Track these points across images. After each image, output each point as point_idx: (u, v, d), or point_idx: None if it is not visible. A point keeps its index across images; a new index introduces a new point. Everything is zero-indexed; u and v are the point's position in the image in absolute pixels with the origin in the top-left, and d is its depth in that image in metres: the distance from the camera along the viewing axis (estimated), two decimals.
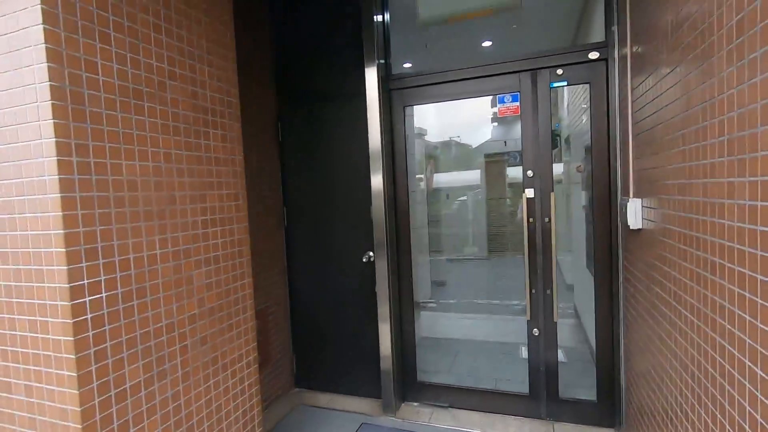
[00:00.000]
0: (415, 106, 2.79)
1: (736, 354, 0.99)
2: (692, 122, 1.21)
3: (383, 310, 2.66)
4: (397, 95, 2.72)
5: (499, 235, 9.29)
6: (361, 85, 2.61)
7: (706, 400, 1.15)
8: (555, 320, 2.48)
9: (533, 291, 2.51)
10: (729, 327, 1.02)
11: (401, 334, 2.83)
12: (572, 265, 4.87)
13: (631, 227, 1.78)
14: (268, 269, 2.87)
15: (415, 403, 2.83)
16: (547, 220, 2.45)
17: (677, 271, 1.36)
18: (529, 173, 2.48)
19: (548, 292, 2.49)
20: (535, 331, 2.53)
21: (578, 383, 2.94)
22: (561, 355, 3.36)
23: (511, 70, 2.45)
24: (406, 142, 2.76)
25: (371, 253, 2.77)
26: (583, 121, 3.69)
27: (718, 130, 1.06)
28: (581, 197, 3.75)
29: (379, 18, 2.62)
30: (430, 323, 4.62)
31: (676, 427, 1.38)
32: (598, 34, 2.52)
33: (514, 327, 4.38)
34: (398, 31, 2.89)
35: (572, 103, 4.20)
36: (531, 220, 2.49)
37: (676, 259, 1.36)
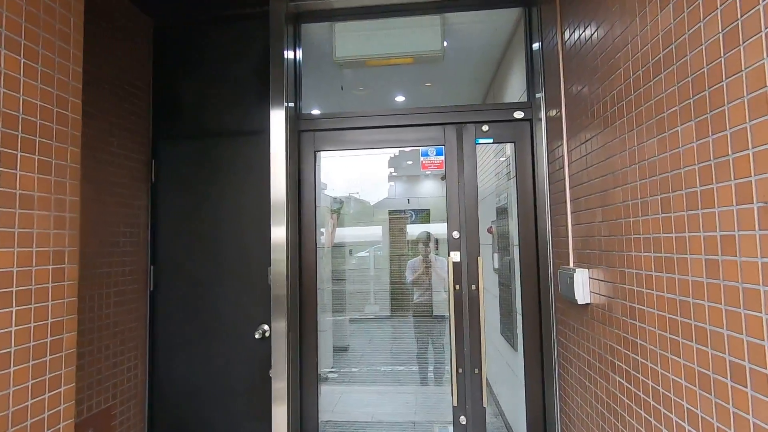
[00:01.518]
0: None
1: None
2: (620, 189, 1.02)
3: (279, 387, 2.06)
4: (308, 138, 2.34)
5: (401, 292, 9.12)
6: (264, 123, 2.17)
7: None
8: (484, 405, 2.14)
9: (460, 371, 2.17)
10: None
11: (301, 423, 2.23)
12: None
13: (578, 302, 1.56)
14: (120, 353, 2.10)
15: None
16: (474, 287, 2.19)
17: (647, 358, 1.11)
18: (455, 234, 2.22)
19: (477, 371, 2.16)
20: (463, 419, 2.16)
21: None
22: None
23: (435, 122, 2.25)
24: (316, 192, 2.34)
25: (266, 327, 2.20)
26: (493, 183, 3.70)
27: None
28: (493, 260, 3.66)
29: (290, 54, 2.27)
30: (332, 400, 3.99)
31: None
32: (516, 93, 2.49)
33: (423, 401, 3.98)
34: (312, 69, 2.57)
35: (479, 164, 4.26)
36: (457, 287, 2.19)
37: (646, 343, 1.13)
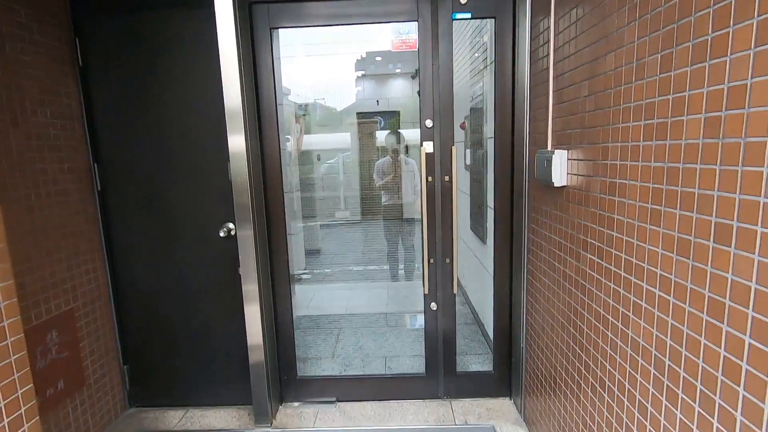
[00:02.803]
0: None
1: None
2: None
3: (250, 288, 2.05)
4: (261, 12, 2.01)
5: (370, 198, 9.15)
6: None
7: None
8: (454, 292, 2.21)
9: (432, 261, 2.19)
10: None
11: (275, 317, 2.27)
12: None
13: (555, 184, 1.51)
14: (75, 255, 1.97)
15: (296, 403, 2.34)
16: (447, 178, 2.12)
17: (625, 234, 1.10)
18: (428, 123, 2.09)
19: (448, 261, 2.19)
20: (433, 305, 2.24)
21: (467, 352, 2.82)
22: None
23: None
24: (275, 79, 2.09)
25: (231, 225, 2.10)
26: (467, 80, 3.47)
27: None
28: (465, 157, 3.60)
29: None
30: (306, 298, 4.12)
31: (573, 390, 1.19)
32: None
33: (394, 294, 4.17)
34: None
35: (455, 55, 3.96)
36: (430, 179, 2.12)
37: (623, 217, 1.10)
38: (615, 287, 1.19)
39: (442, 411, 2.22)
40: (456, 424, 2.11)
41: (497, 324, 2.26)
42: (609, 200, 1.21)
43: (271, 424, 2.16)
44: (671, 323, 0.96)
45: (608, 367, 1.23)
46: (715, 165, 0.82)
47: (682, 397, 0.93)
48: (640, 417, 1.08)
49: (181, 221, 2.17)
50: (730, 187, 0.79)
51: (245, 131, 1.93)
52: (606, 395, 1.25)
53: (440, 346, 2.28)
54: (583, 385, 1.40)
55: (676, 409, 0.94)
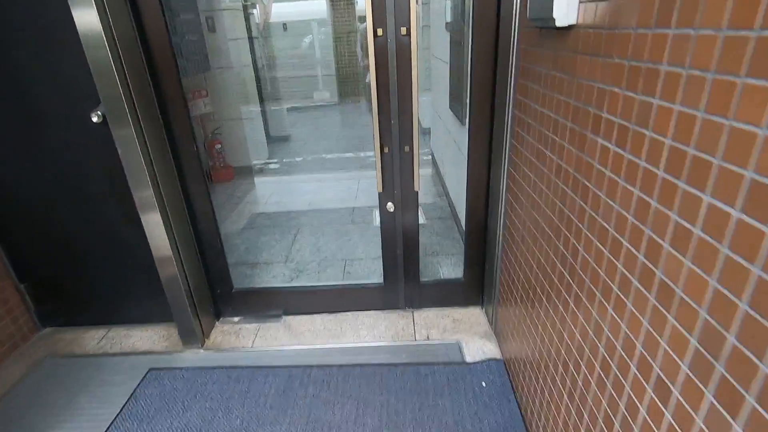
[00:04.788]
0: None
1: None
2: None
3: (144, 194, 1.57)
4: None
5: (350, 77, 8.14)
6: None
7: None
8: (416, 189, 1.74)
9: (386, 150, 1.67)
10: None
11: (195, 224, 1.83)
12: (428, 105, 4.20)
13: (557, 23, 0.92)
14: None
15: (236, 318, 2.03)
16: (404, 31, 1.48)
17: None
18: None
19: (407, 150, 1.67)
20: (390, 206, 1.79)
21: (438, 252, 2.47)
22: (421, 217, 2.83)
23: None
24: None
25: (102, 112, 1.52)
26: None
27: None
28: (446, 12, 2.80)
29: None
30: (266, 193, 3.67)
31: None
32: None
33: (366, 187, 3.73)
34: None
35: None
36: (379, 32, 1.48)
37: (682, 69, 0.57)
38: (640, 193, 0.70)
39: (401, 324, 1.92)
40: (416, 340, 1.83)
41: (470, 223, 1.84)
42: (657, 38, 0.65)
43: (202, 345, 1.87)
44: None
45: (597, 291, 0.81)
46: None
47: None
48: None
49: (38, 107, 1.57)
50: None
51: (96, 4, 1.26)
52: (595, 311, 0.86)
53: (400, 253, 1.90)
54: (569, 299, 1.01)
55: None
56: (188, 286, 1.78)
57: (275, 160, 4.94)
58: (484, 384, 1.57)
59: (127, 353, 1.85)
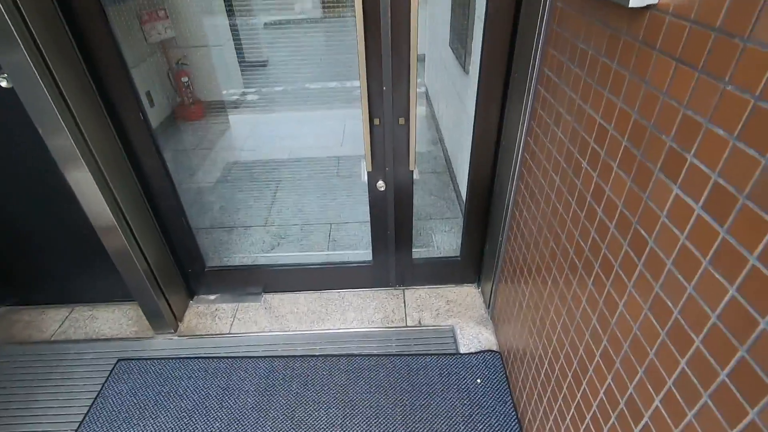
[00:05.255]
0: None
1: None
2: None
3: (58, 144, 1.24)
4: None
5: None
6: None
7: None
8: (411, 168, 1.48)
9: (377, 122, 1.38)
10: None
11: (145, 186, 1.54)
12: (425, 26, 3.69)
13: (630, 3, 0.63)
14: None
15: (212, 296, 1.87)
16: None
17: None
18: None
19: (402, 122, 1.38)
20: (381, 185, 1.54)
21: (432, 215, 2.27)
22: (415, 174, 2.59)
23: None
24: None
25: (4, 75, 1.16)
26: None
27: None
28: None
29: None
30: (242, 135, 3.32)
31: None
32: None
33: (353, 128, 3.39)
34: None
35: None
36: None
37: None
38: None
39: (392, 305, 1.79)
40: (407, 325, 1.70)
41: (472, 186, 1.60)
42: None
43: (175, 330, 1.72)
44: None
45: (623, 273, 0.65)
46: None
47: None
48: None
49: None
50: None
51: None
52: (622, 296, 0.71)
53: (391, 232, 1.69)
54: (587, 282, 0.86)
55: None
56: (146, 262, 1.56)
57: (252, 90, 4.45)
58: (479, 381, 1.48)
59: (93, 339, 1.70)
